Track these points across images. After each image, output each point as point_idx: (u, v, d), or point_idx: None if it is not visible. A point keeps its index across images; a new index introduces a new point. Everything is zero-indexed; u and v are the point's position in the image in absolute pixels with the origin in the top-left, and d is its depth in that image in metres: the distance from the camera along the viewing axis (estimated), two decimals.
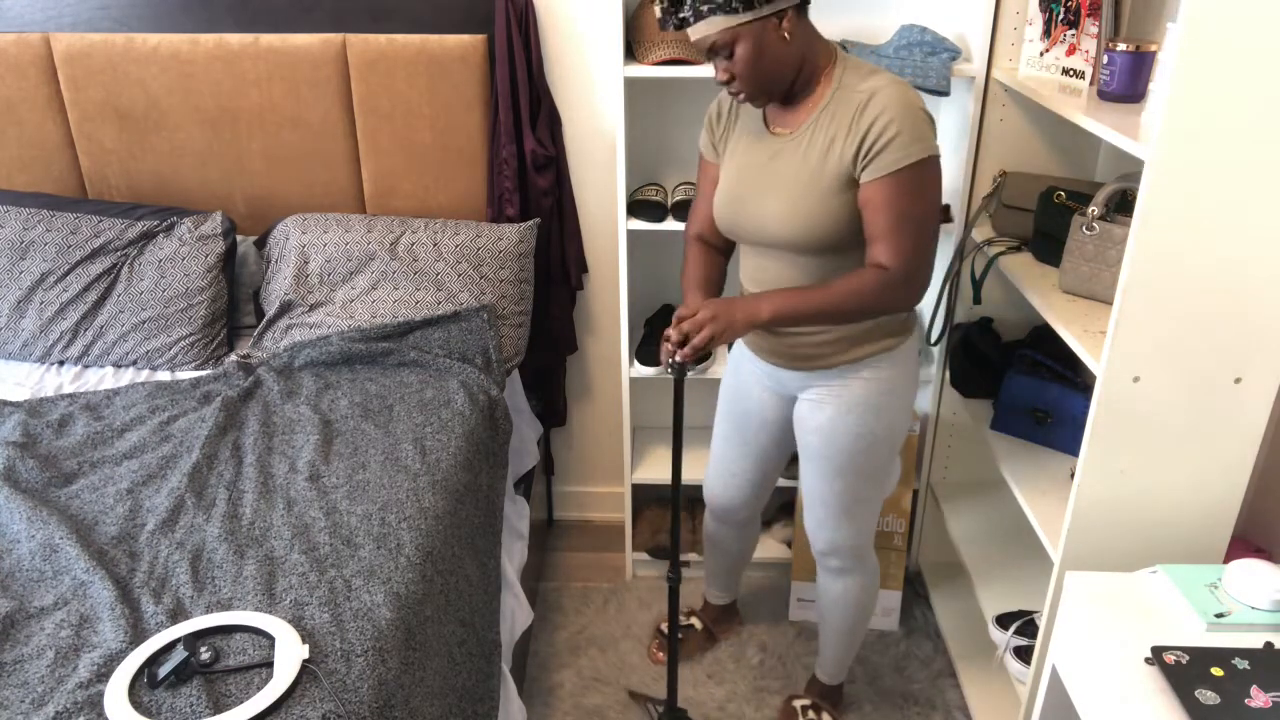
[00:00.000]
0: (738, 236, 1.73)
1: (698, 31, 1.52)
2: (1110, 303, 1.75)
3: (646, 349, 2.46)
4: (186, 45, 2.29)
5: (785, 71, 1.56)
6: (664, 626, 2.33)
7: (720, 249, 1.87)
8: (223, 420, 1.93)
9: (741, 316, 1.60)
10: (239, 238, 2.44)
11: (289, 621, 1.40)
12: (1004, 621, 2.06)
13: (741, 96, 1.59)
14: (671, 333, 1.62)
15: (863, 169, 1.55)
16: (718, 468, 2.08)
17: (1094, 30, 1.83)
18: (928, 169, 1.54)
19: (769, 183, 1.64)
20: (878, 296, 1.58)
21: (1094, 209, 1.73)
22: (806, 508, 1.92)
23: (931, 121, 1.56)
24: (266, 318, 2.28)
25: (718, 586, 2.37)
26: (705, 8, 1.49)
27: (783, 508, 2.71)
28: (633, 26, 2.20)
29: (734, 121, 1.74)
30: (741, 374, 1.95)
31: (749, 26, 1.50)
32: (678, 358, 1.62)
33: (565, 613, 2.54)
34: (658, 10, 1.56)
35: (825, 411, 1.78)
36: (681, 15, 1.53)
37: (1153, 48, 1.66)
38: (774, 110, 1.68)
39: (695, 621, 2.40)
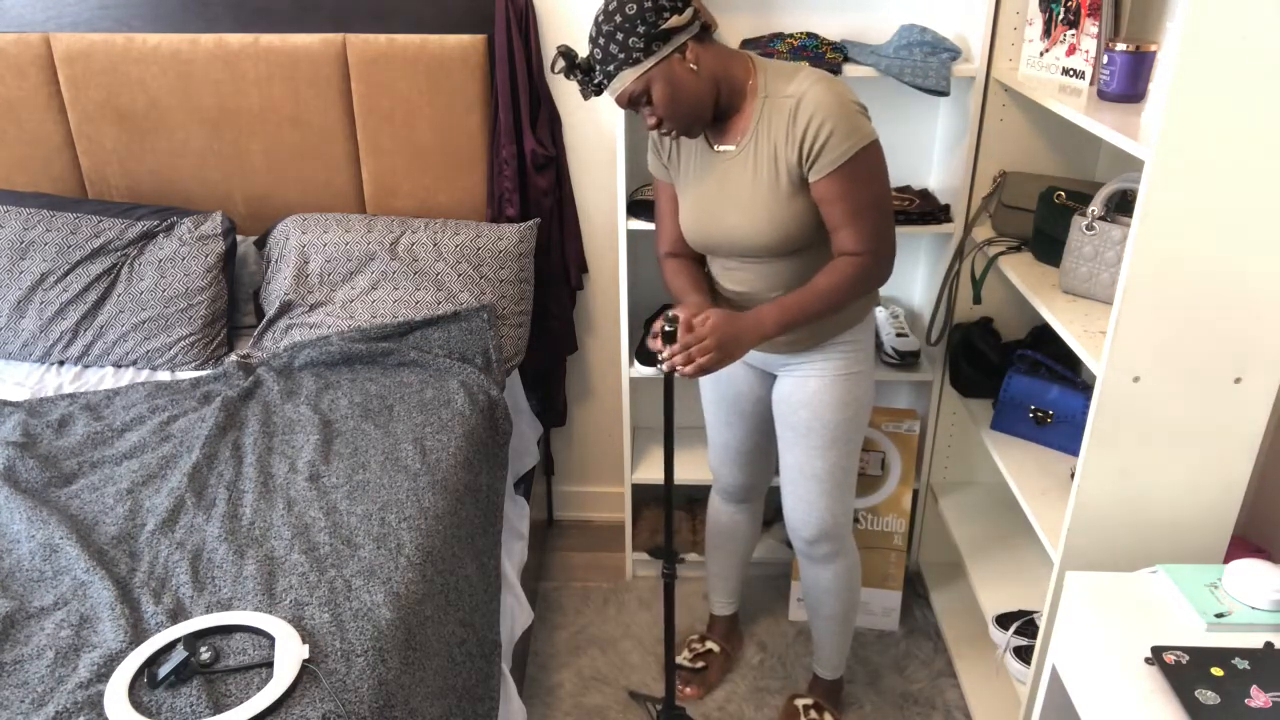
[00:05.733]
0: (712, 252, 1.79)
1: (614, 90, 1.60)
2: (1110, 303, 1.75)
3: (646, 349, 2.46)
4: (186, 45, 2.29)
5: (705, 99, 1.62)
6: (683, 660, 2.33)
7: (695, 258, 1.90)
8: (223, 420, 1.93)
9: (749, 337, 1.66)
10: (239, 238, 2.44)
11: (289, 621, 1.40)
12: (1004, 621, 2.06)
13: (674, 134, 1.66)
14: (677, 344, 1.62)
15: (809, 169, 1.62)
16: (723, 454, 2.10)
17: (1094, 30, 1.83)
18: (869, 156, 1.61)
19: (729, 201, 1.70)
20: (859, 281, 1.67)
21: (1094, 209, 1.73)
22: (793, 494, 1.93)
23: (863, 109, 1.62)
24: (266, 318, 2.28)
25: (723, 592, 2.36)
26: (612, 67, 1.57)
27: (781, 508, 2.70)
28: None
29: (676, 141, 1.79)
30: None
31: (656, 69, 1.57)
32: (665, 367, 1.64)
33: (565, 613, 2.54)
34: (578, 84, 1.65)
35: (811, 384, 1.83)
36: (597, 82, 1.62)
37: (1153, 48, 1.66)
38: (711, 128, 1.74)
39: (713, 645, 2.36)
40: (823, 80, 1.60)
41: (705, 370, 1.63)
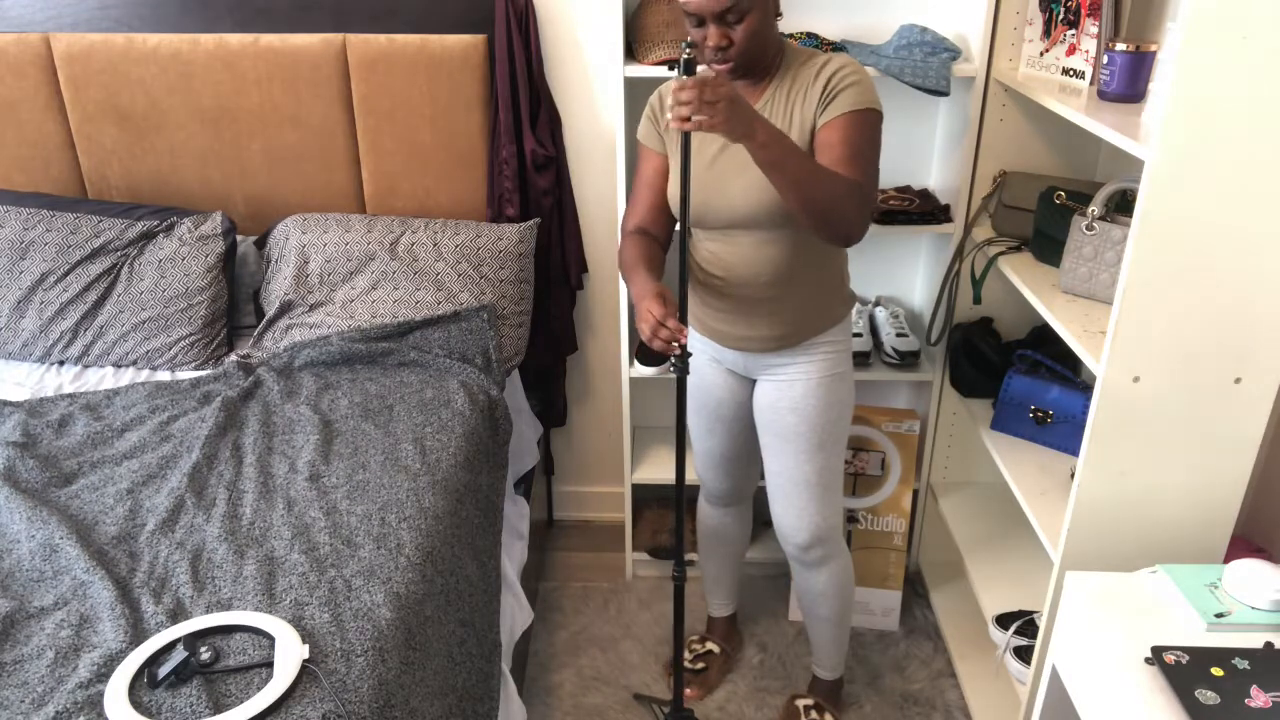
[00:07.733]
0: (706, 224, 1.75)
1: None
2: (1110, 303, 1.75)
3: (646, 349, 2.46)
4: (186, 45, 2.29)
5: (770, 48, 1.67)
6: (683, 661, 2.33)
7: (660, 240, 1.83)
8: (223, 420, 1.93)
9: (742, 122, 1.47)
10: (239, 238, 2.44)
11: (289, 621, 1.40)
12: (1004, 621, 2.06)
13: (729, 65, 1.64)
14: (684, 94, 1.43)
15: (821, 113, 1.64)
16: (707, 460, 2.10)
17: (1094, 30, 1.83)
18: (876, 121, 1.64)
19: (733, 164, 1.68)
20: (848, 195, 1.55)
21: (1094, 209, 1.73)
22: (783, 501, 1.92)
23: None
24: (266, 318, 2.28)
25: (720, 594, 2.37)
26: None
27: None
28: (633, 26, 2.20)
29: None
30: (701, 370, 1.98)
31: None
32: (670, 116, 1.47)
33: (565, 613, 2.54)
34: None
35: (796, 389, 1.83)
36: None
37: (1153, 48, 1.66)
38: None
39: (713, 646, 2.37)
40: (848, 57, 1.67)
41: (712, 119, 1.43)
